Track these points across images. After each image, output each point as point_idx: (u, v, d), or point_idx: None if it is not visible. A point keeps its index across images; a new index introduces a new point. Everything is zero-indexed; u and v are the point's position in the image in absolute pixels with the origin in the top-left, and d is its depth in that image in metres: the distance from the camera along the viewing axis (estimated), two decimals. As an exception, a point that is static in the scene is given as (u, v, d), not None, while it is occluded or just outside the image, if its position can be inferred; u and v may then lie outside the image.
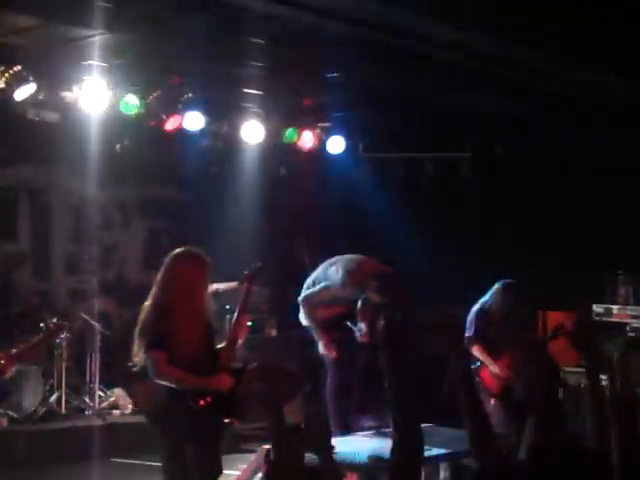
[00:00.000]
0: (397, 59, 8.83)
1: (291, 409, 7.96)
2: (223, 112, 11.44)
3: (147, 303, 6.14)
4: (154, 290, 6.16)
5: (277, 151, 12.43)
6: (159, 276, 6.20)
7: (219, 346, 6.33)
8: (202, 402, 5.96)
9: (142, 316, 6.10)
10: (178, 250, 6.28)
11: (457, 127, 11.48)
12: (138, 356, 6.04)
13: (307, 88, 10.61)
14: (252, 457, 8.19)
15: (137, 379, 8.06)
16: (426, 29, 7.78)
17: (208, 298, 6.32)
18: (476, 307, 9.10)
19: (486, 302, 9.09)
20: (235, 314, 6.53)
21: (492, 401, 8.82)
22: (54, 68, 9.80)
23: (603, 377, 4.47)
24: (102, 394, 10.56)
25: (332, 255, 8.88)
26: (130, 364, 6.26)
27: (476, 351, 8.96)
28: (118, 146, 11.24)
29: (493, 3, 7.40)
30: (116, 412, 10.57)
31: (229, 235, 11.68)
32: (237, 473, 8.02)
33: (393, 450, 3.53)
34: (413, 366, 3.54)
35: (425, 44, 8.00)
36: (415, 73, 9.33)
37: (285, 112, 11.70)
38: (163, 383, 5.98)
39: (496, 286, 9.08)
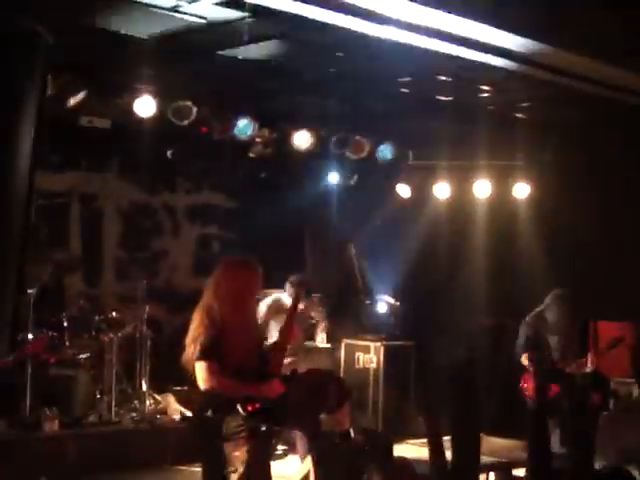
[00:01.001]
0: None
1: (340, 416, 7.90)
2: (274, 119, 11.42)
3: (197, 310, 6.13)
4: (205, 297, 6.15)
5: (325, 159, 12.40)
6: (210, 282, 6.19)
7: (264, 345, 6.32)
8: (250, 408, 5.94)
9: (192, 323, 6.09)
10: (229, 257, 6.28)
11: (504, 134, 11.36)
12: (189, 363, 6.03)
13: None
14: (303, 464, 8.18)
15: (188, 385, 8.05)
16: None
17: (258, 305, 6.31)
18: (530, 315, 9.10)
19: (539, 310, 9.08)
20: (284, 321, 6.50)
21: None
22: (105, 75, 9.84)
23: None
24: (152, 400, 10.58)
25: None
26: (181, 370, 6.25)
27: (526, 359, 8.93)
28: (169, 152, 11.29)
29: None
30: (166, 418, 10.58)
31: (278, 242, 11.66)
32: (286, 480, 8.00)
33: (453, 459, 3.54)
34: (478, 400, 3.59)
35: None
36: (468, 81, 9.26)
37: (334, 120, 11.64)
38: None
39: (550, 295, 9.06)
